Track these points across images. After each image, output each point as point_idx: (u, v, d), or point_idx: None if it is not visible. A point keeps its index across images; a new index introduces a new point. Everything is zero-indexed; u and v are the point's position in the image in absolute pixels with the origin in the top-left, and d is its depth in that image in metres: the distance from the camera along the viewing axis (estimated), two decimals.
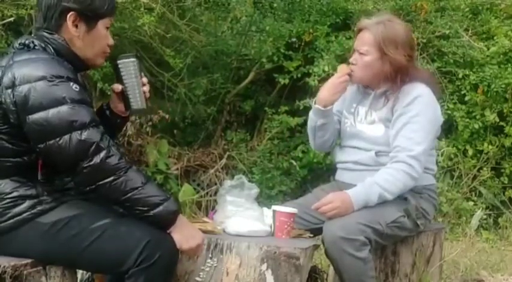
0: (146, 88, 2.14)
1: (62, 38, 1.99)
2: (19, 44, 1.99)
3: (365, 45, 2.51)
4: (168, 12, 4.68)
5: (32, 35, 2.02)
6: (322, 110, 2.57)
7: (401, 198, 2.48)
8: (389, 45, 2.48)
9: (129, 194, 1.90)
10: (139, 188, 1.91)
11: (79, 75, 2.07)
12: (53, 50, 1.97)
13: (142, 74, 2.15)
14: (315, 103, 2.61)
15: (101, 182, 1.88)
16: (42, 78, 1.86)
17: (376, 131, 2.55)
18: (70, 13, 1.97)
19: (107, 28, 2.06)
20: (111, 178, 1.88)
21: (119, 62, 2.11)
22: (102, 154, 1.87)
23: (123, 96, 2.14)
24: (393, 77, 2.50)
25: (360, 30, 2.57)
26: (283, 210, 2.35)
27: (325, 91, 2.56)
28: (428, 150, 2.51)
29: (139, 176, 1.92)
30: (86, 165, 1.86)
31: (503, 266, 3.76)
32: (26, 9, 3.92)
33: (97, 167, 1.87)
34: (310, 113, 2.65)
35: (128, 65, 2.11)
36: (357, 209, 2.38)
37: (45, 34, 1.98)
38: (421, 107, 2.47)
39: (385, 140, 2.52)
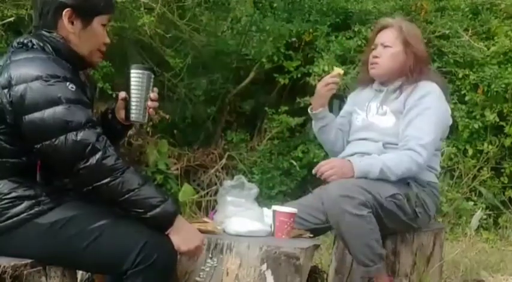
0: (152, 103, 2.11)
1: (60, 36, 1.97)
2: (17, 43, 1.98)
3: (389, 38, 2.65)
4: (168, 12, 4.69)
5: (31, 34, 2.01)
6: (313, 113, 2.73)
7: (403, 183, 2.50)
8: (413, 38, 2.66)
9: (126, 196, 1.89)
10: (136, 190, 1.89)
11: (81, 73, 2.07)
12: (51, 49, 1.95)
13: (154, 88, 2.13)
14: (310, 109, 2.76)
15: (97, 183, 1.87)
16: (38, 78, 1.85)
17: (387, 122, 2.60)
18: (66, 9, 1.95)
19: (104, 25, 2.04)
20: (108, 179, 1.87)
21: (132, 71, 2.08)
22: (98, 155, 1.85)
23: (126, 104, 2.11)
24: (414, 68, 2.61)
25: (381, 28, 2.69)
26: (283, 210, 2.34)
27: (314, 97, 2.73)
28: (437, 142, 2.57)
29: (136, 178, 1.91)
30: (82, 166, 1.85)
31: (503, 266, 3.76)
32: (26, 9, 3.93)
33: (93, 168, 1.85)
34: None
35: (141, 77, 2.08)
36: (357, 176, 2.43)
37: (44, 33, 1.97)
38: (433, 101, 2.55)
39: (394, 131, 2.57)
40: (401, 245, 2.62)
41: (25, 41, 1.97)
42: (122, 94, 2.12)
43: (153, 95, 2.12)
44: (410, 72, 2.61)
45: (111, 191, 1.88)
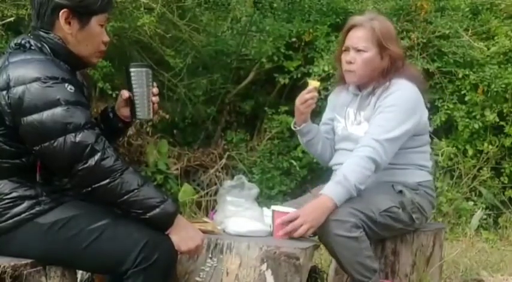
0: (155, 99, 2.12)
1: (58, 37, 1.96)
2: (15, 44, 1.97)
3: (362, 41, 2.51)
4: (168, 12, 4.69)
5: (29, 35, 2.00)
6: (296, 129, 2.69)
7: (396, 191, 2.47)
8: (387, 38, 2.51)
9: (125, 197, 1.89)
10: (135, 191, 1.89)
11: (78, 74, 2.06)
12: (49, 50, 1.95)
13: (154, 84, 2.13)
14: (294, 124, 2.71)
15: (96, 185, 1.87)
16: (37, 79, 1.84)
17: (363, 132, 2.52)
18: (62, 10, 1.94)
19: (102, 25, 2.03)
20: (107, 180, 1.87)
21: (131, 69, 2.09)
22: (97, 156, 1.85)
23: (131, 103, 2.12)
24: (389, 70, 2.51)
25: (351, 27, 2.56)
26: (282, 210, 2.34)
27: (295, 113, 2.66)
28: (399, 140, 2.44)
29: (135, 178, 1.91)
30: (80, 167, 1.85)
31: (503, 266, 3.76)
32: (26, 9, 3.92)
33: (92, 169, 1.85)
34: None
35: (141, 74, 2.09)
36: (339, 204, 2.30)
37: (42, 33, 1.96)
38: (397, 99, 2.46)
39: None
40: (401, 245, 2.62)
41: (23, 42, 1.96)
42: (125, 93, 2.12)
43: (155, 89, 2.13)
44: (383, 74, 2.51)
45: (110, 192, 1.88)
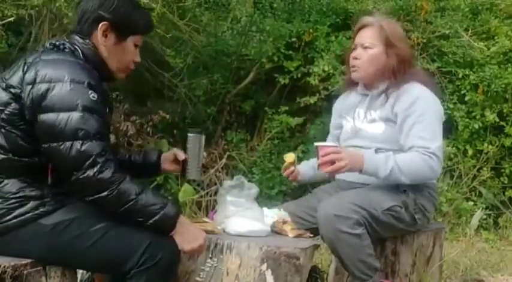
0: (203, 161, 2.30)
1: (92, 44, 2.02)
2: (50, 44, 2.03)
3: (369, 39, 2.55)
4: (168, 12, 4.68)
5: (65, 38, 2.06)
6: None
7: (400, 191, 2.47)
8: (395, 37, 2.55)
9: (125, 207, 1.90)
10: (134, 200, 1.90)
11: (104, 84, 2.08)
12: (81, 55, 2.00)
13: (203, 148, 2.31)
14: None
15: (96, 196, 1.88)
16: (63, 80, 1.88)
17: (376, 129, 2.54)
18: (103, 22, 2.01)
19: (136, 46, 2.09)
20: (105, 193, 1.88)
21: (189, 134, 2.29)
22: (96, 168, 1.86)
23: (184, 163, 2.31)
24: (398, 70, 2.52)
25: (361, 28, 2.60)
26: (325, 144, 2.42)
27: None
28: (442, 145, 2.47)
29: (133, 188, 1.91)
30: (80, 176, 1.86)
31: (503, 266, 3.76)
32: (26, 9, 3.93)
33: (89, 180, 1.86)
34: None
35: (196, 139, 2.28)
36: (365, 169, 2.36)
37: (77, 38, 2.02)
38: (424, 106, 2.47)
39: (384, 137, 2.51)
40: (401, 245, 2.62)
41: (57, 43, 2.01)
42: (182, 156, 2.29)
43: (204, 153, 2.31)
44: (393, 74, 2.51)
45: (109, 203, 1.90)
